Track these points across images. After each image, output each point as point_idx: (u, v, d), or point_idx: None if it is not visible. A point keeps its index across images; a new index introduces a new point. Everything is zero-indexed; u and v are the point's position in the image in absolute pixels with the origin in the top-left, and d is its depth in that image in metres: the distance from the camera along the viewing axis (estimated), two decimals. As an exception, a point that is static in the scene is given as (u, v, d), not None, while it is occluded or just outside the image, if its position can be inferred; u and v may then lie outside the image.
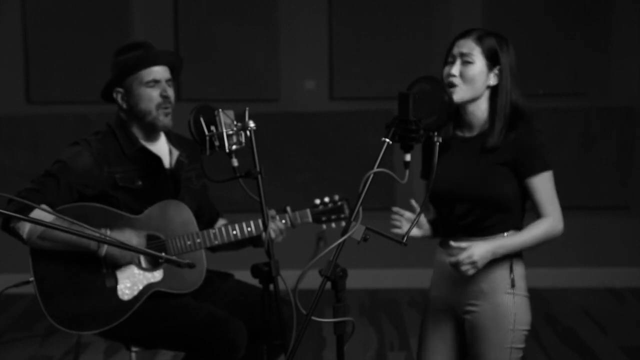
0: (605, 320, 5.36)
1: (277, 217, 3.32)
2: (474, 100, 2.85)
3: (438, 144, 2.69)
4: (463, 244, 2.77)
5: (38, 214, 3.02)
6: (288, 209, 3.36)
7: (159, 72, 3.30)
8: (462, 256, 2.74)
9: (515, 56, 2.86)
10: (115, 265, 3.19)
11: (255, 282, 3.00)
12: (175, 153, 3.40)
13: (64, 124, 5.93)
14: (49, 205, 3.10)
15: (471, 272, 2.75)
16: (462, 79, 2.82)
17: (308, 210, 3.39)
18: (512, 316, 2.82)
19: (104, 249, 3.14)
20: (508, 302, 2.82)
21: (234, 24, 5.93)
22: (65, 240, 3.11)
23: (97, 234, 2.83)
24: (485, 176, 2.82)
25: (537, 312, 5.39)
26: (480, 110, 2.86)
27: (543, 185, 2.80)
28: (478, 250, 2.75)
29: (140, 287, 3.22)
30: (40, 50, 5.97)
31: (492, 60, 2.82)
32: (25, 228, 3.09)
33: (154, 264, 3.25)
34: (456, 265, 2.75)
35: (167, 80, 3.32)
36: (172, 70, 3.37)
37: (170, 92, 3.32)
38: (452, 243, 2.79)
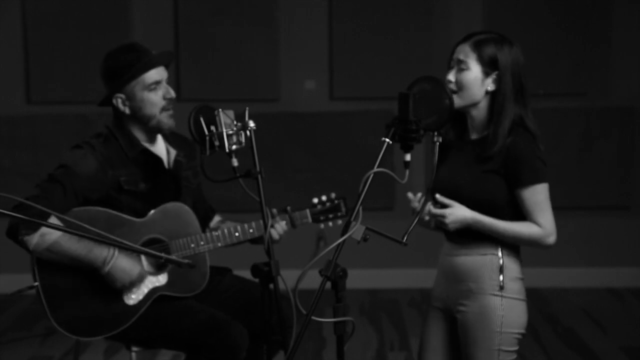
0: (605, 320, 5.36)
1: (278, 218, 3.32)
2: (473, 105, 2.85)
3: (438, 144, 2.69)
4: (447, 200, 2.78)
5: (46, 227, 2.99)
6: (288, 209, 3.37)
7: (159, 72, 3.25)
8: (439, 211, 2.77)
9: (522, 59, 2.83)
10: (111, 285, 3.17)
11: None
12: (173, 152, 3.39)
13: (64, 124, 5.93)
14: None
15: (437, 224, 2.81)
16: (458, 86, 2.82)
17: (307, 211, 3.40)
18: (499, 318, 2.80)
19: (107, 268, 3.12)
20: (495, 304, 2.81)
21: (234, 24, 5.93)
22: (71, 256, 3.09)
23: (107, 244, 2.80)
24: (478, 182, 2.82)
25: (537, 312, 5.40)
26: (481, 114, 2.86)
27: (532, 197, 2.78)
28: (456, 211, 2.77)
29: (146, 291, 3.21)
30: (40, 50, 5.97)
31: (490, 66, 2.80)
32: (33, 241, 3.06)
33: (158, 268, 3.25)
34: (432, 216, 2.79)
35: (166, 79, 3.30)
36: (166, 68, 3.33)
37: (172, 92, 3.28)
38: (438, 196, 2.79)
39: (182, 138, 3.44)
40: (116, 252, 3.13)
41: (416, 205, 2.84)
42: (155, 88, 3.23)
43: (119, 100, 3.24)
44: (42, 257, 3.11)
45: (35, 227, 3.04)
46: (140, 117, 3.25)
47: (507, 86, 2.80)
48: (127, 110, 3.25)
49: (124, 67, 3.21)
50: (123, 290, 3.18)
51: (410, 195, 2.86)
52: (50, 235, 3.06)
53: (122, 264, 3.13)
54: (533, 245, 2.81)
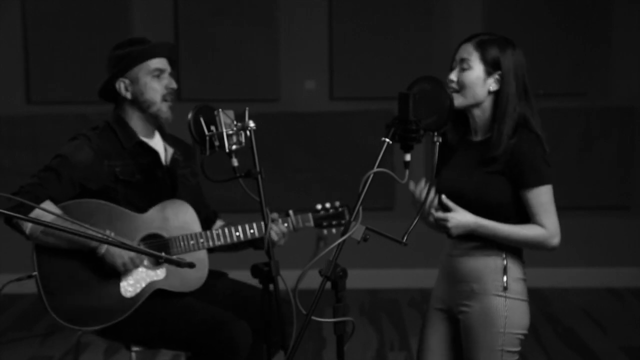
0: (605, 320, 5.36)
1: (280, 221, 3.32)
2: (476, 105, 2.84)
3: (438, 144, 2.69)
4: (451, 204, 2.78)
5: (40, 211, 3.01)
6: (290, 212, 3.37)
7: (163, 63, 3.32)
8: (442, 215, 2.77)
9: (525, 62, 2.83)
10: (111, 267, 3.18)
11: (252, 281, 3.00)
12: (170, 150, 3.41)
13: (64, 124, 5.93)
14: (52, 200, 3.11)
15: (441, 228, 2.81)
16: (460, 85, 2.81)
17: (310, 215, 3.41)
18: (502, 319, 2.80)
19: (104, 247, 3.14)
20: (499, 305, 2.81)
21: (234, 24, 5.93)
22: (68, 237, 3.11)
23: (99, 234, 2.83)
24: (482, 183, 2.81)
25: (537, 312, 5.40)
26: (484, 115, 2.85)
27: (537, 199, 2.78)
28: (459, 216, 2.77)
29: (143, 285, 3.22)
30: (40, 50, 5.97)
31: (492, 65, 2.80)
32: (28, 223, 3.08)
33: (156, 262, 3.25)
34: (436, 220, 2.79)
35: (170, 72, 3.34)
36: (170, 62, 3.37)
37: (175, 83, 3.35)
38: (444, 198, 2.79)
39: (180, 140, 3.48)
40: (112, 234, 3.13)
41: (413, 190, 2.82)
42: (158, 75, 3.29)
43: (122, 85, 3.29)
44: (39, 242, 3.13)
45: (28, 212, 3.04)
46: (141, 102, 3.29)
47: (510, 87, 2.80)
48: (129, 95, 3.29)
49: (129, 53, 3.27)
50: (124, 269, 3.17)
51: (412, 186, 2.83)
52: (44, 217, 3.05)
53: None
54: (537, 248, 2.81)
